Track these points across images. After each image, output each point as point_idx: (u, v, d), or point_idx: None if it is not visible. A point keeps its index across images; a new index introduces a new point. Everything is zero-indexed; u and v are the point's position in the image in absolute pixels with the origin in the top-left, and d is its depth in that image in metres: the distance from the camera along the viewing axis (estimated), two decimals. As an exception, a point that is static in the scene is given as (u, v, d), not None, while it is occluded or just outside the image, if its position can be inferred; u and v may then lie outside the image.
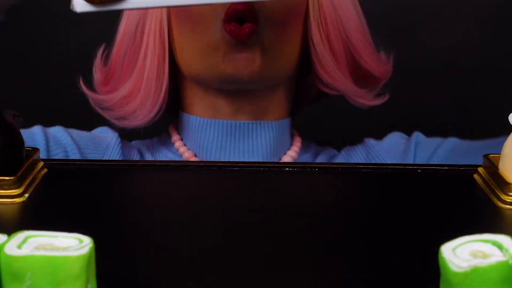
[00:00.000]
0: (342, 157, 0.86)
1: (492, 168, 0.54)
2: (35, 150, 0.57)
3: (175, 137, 0.85)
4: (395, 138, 0.87)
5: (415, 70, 1.08)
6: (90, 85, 0.83)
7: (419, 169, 0.58)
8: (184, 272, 0.43)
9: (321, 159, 0.86)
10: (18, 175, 0.52)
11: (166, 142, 0.86)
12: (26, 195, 0.52)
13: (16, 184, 0.52)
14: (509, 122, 0.54)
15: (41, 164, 0.57)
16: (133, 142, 0.88)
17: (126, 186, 0.57)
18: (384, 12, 0.85)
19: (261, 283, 0.42)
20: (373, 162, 0.83)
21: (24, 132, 0.77)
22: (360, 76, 0.82)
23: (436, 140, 0.85)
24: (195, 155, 0.82)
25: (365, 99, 0.83)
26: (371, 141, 0.86)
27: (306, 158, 0.85)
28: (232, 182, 0.57)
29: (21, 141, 0.54)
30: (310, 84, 0.86)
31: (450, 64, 1.12)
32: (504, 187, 0.52)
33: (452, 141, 0.83)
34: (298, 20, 0.78)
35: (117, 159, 0.81)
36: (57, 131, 0.82)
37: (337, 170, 0.59)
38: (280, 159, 0.83)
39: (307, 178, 0.57)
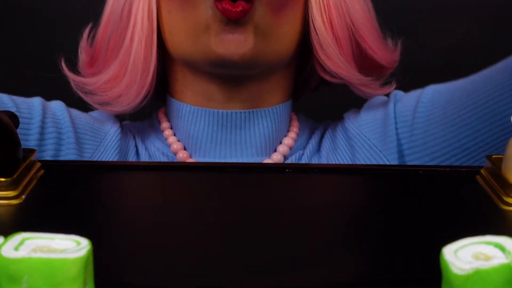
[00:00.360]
0: (329, 135, 0.82)
1: (495, 169, 0.54)
2: (32, 151, 0.56)
3: (164, 125, 0.81)
4: (372, 110, 0.81)
5: (414, 70, 1.08)
6: (72, 67, 0.80)
7: (420, 170, 0.58)
8: (183, 274, 0.42)
9: (314, 139, 0.82)
10: (14, 176, 0.52)
11: (156, 128, 0.83)
12: (23, 196, 0.52)
13: (13, 185, 0.52)
14: (511, 122, 0.53)
15: (38, 165, 0.56)
16: (124, 123, 0.85)
17: (124, 187, 0.57)
18: (384, 12, 0.85)
19: (261, 285, 0.41)
20: (354, 142, 0.79)
21: (22, 102, 0.75)
22: (365, 64, 0.79)
23: (415, 94, 0.79)
24: (185, 148, 0.79)
25: (371, 88, 0.79)
26: (349, 117, 0.81)
27: (302, 141, 0.82)
28: (232, 184, 0.56)
29: (17, 142, 0.54)
30: (311, 71, 0.82)
31: (450, 64, 1.12)
32: (506, 188, 0.52)
33: (430, 90, 0.78)
34: (297, 0, 0.74)
35: (113, 151, 0.78)
36: (57, 108, 0.78)
37: (337, 171, 0.59)
38: (275, 150, 0.80)
39: (307, 179, 0.57)
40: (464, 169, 0.58)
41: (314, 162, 0.80)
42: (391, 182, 0.56)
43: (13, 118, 0.54)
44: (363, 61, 0.78)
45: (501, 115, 0.71)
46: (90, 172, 0.58)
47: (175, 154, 0.79)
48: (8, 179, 0.51)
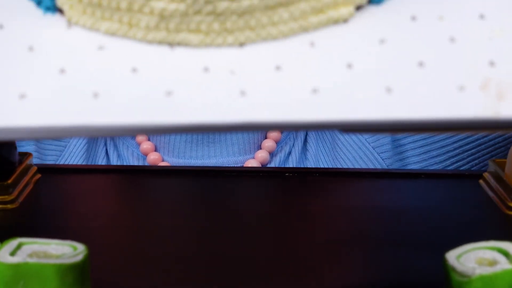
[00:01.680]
0: (312, 141, 0.71)
1: (499, 173, 0.54)
2: (28, 155, 0.56)
3: None
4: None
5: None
6: None
7: (422, 174, 0.58)
8: (180, 279, 0.42)
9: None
10: (10, 181, 0.52)
11: None
12: (19, 201, 0.52)
13: (9, 190, 0.51)
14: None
15: (34, 169, 0.56)
16: None
17: (121, 191, 0.57)
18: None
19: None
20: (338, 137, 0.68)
21: None
22: None
23: None
24: (156, 148, 0.71)
25: None
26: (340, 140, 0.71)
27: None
28: (230, 187, 0.56)
29: (13, 145, 0.54)
30: None
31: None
32: (511, 193, 0.51)
33: None
34: None
35: (78, 158, 0.69)
36: None
37: (337, 174, 0.58)
38: (260, 147, 0.71)
39: (307, 182, 0.57)
40: (467, 173, 0.58)
41: (303, 159, 0.73)
42: (393, 186, 0.56)
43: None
44: None
45: None
46: (86, 176, 0.58)
47: (145, 155, 0.71)
48: (4, 183, 0.51)
